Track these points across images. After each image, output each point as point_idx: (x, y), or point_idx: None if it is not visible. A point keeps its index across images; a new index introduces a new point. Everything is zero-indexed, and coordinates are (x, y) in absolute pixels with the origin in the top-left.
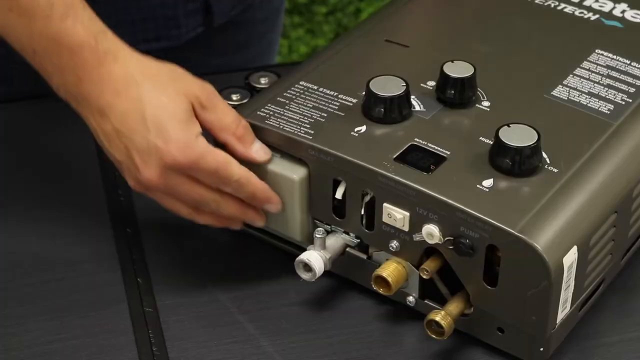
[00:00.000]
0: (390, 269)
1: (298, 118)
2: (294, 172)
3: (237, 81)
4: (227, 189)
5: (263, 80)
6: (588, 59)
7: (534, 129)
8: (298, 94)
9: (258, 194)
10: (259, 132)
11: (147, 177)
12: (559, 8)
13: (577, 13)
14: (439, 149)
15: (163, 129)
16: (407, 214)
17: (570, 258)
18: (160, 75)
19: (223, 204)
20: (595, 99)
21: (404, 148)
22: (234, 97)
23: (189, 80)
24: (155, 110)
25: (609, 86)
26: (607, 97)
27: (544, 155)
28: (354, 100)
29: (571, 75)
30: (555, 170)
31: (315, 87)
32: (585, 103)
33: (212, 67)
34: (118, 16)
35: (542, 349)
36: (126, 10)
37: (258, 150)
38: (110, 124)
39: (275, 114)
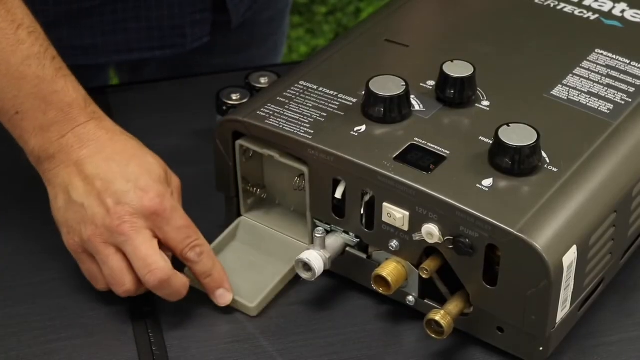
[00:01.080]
0: (390, 269)
1: (298, 118)
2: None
3: (237, 81)
4: (191, 252)
5: (263, 80)
6: (588, 58)
7: (534, 128)
8: (298, 94)
9: (216, 272)
10: (259, 132)
11: (118, 214)
12: (558, 8)
13: (576, 13)
14: (438, 148)
15: (145, 179)
16: (407, 213)
17: (570, 257)
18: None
19: (138, 286)
20: (594, 99)
21: (404, 148)
22: (234, 96)
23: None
24: (140, 163)
25: (609, 86)
26: (606, 96)
27: (544, 154)
28: (354, 100)
29: (571, 75)
30: (555, 170)
31: (315, 87)
32: (585, 102)
33: (215, 68)
34: (125, 24)
35: (541, 349)
36: (135, 19)
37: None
38: (85, 173)
39: (275, 114)
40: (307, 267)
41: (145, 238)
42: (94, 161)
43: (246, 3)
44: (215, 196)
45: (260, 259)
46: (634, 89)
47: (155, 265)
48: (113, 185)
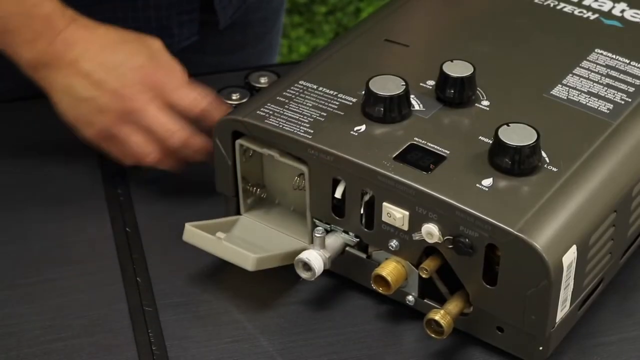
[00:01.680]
0: (390, 268)
1: (297, 117)
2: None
3: (236, 81)
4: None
5: (262, 80)
6: (587, 58)
7: (534, 128)
8: (297, 94)
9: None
10: (259, 131)
11: (126, 95)
12: (558, 7)
13: (576, 12)
14: (438, 148)
15: (136, 58)
16: (407, 213)
17: (570, 257)
18: (118, 29)
19: (164, 158)
20: (594, 99)
21: (404, 147)
22: (234, 96)
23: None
24: (125, 47)
25: (609, 85)
26: (606, 96)
27: (544, 154)
28: (354, 100)
29: (570, 75)
30: (555, 170)
31: (315, 87)
32: (584, 102)
33: (211, 67)
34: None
35: (541, 348)
36: (123, 20)
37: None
38: (83, 70)
39: (275, 114)
40: (306, 266)
41: (157, 107)
42: (86, 58)
43: (234, 5)
44: (215, 196)
45: (262, 242)
46: (633, 89)
47: (175, 128)
48: (111, 73)
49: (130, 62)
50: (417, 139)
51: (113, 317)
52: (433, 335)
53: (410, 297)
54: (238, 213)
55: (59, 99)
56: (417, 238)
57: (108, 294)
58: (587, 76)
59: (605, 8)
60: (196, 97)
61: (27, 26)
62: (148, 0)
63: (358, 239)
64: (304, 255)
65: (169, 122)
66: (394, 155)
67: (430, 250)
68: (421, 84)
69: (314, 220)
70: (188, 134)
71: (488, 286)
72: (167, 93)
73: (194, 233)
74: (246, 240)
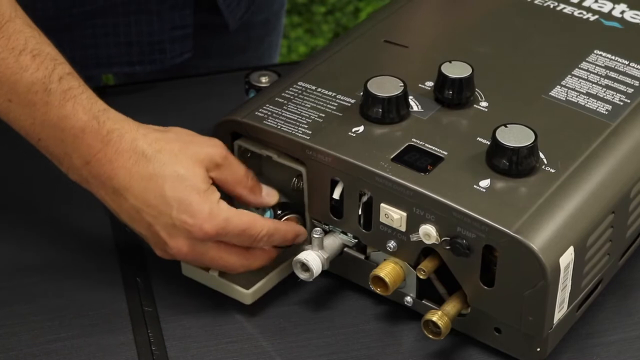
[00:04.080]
0: (388, 269)
1: (296, 118)
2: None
3: (236, 81)
4: (259, 245)
5: (263, 79)
6: (587, 59)
7: (531, 129)
8: (296, 94)
9: (288, 236)
10: (257, 132)
11: (176, 251)
12: (558, 8)
13: (576, 13)
14: (436, 149)
15: (186, 203)
16: (404, 214)
17: (567, 258)
18: (170, 145)
19: (252, 260)
20: (593, 100)
21: (402, 148)
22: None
23: (200, 142)
24: (173, 185)
25: (608, 87)
26: (605, 97)
27: (542, 155)
28: (352, 101)
29: (570, 76)
30: (553, 171)
31: (314, 88)
32: (583, 103)
33: (212, 70)
34: (105, 39)
35: (539, 349)
36: (114, 35)
37: (268, 194)
38: (128, 203)
39: (273, 114)
40: (305, 267)
41: (211, 254)
42: (129, 192)
43: (242, 7)
44: None
45: None
46: (632, 90)
47: (253, 259)
48: (158, 220)
49: (181, 207)
50: (415, 140)
51: (113, 317)
52: (431, 336)
53: (408, 298)
54: None
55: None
56: (414, 239)
57: (108, 294)
58: (586, 77)
59: (605, 9)
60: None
61: (58, 139)
62: (140, 15)
63: (356, 240)
64: (302, 256)
65: (237, 262)
66: (392, 156)
67: (428, 251)
68: (420, 85)
69: (313, 220)
70: (269, 254)
71: (485, 287)
72: (225, 238)
73: (190, 269)
74: None
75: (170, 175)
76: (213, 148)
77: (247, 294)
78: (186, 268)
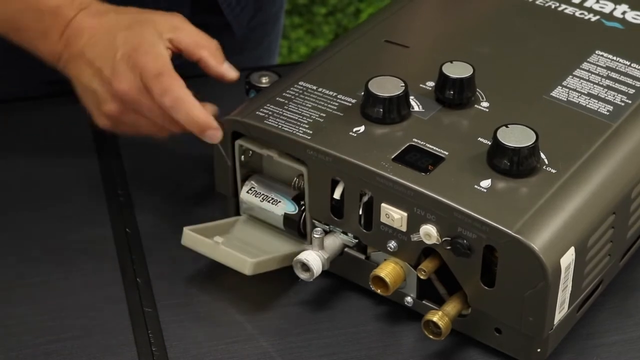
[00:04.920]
0: (388, 270)
1: (297, 118)
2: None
3: (237, 81)
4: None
5: (264, 80)
6: (588, 60)
7: (532, 129)
8: (297, 94)
9: (193, 113)
10: (258, 132)
11: (120, 90)
12: (559, 9)
13: (577, 14)
14: (437, 149)
15: (133, 43)
16: (405, 214)
17: (568, 259)
18: (136, 13)
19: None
20: (594, 100)
21: (403, 148)
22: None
23: (162, 13)
24: (127, 34)
25: (609, 87)
26: (606, 98)
27: (543, 155)
28: (353, 101)
29: (571, 77)
30: (554, 171)
31: (315, 88)
32: (584, 104)
33: None
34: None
35: (539, 350)
36: None
37: (228, 69)
38: (86, 58)
39: (274, 114)
40: (305, 267)
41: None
42: (89, 46)
43: (247, 12)
44: (214, 196)
45: (260, 244)
46: (633, 91)
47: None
48: (107, 61)
49: (122, 48)
50: (416, 140)
51: (113, 317)
52: (431, 337)
53: (408, 298)
54: (237, 213)
55: (76, 88)
56: (415, 239)
57: (108, 294)
58: (587, 78)
59: (607, 10)
60: (166, 89)
61: (37, 21)
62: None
63: (357, 240)
64: (302, 256)
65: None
66: (393, 156)
67: (428, 251)
68: (421, 85)
69: (313, 220)
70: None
71: (486, 287)
72: (145, 80)
73: (192, 237)
74: (245, 241)
75: (128, 27)
76: (171, 15)
77: (249, 263)
78: (187, 237)
